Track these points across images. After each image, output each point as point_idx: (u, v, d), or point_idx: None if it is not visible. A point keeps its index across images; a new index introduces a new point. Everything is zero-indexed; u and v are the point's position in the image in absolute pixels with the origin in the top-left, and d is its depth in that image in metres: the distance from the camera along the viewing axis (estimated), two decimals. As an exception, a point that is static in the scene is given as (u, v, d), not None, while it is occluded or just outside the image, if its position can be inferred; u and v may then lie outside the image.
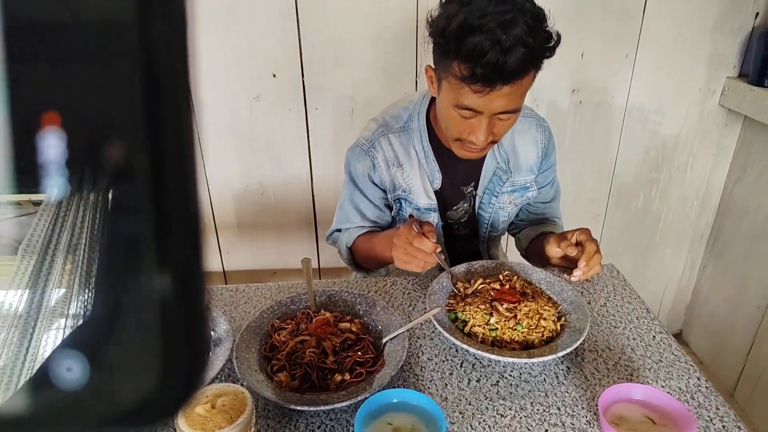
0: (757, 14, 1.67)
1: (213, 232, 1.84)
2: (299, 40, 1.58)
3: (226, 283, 1.93)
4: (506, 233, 1.42)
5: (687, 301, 2.18)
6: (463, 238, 1.34)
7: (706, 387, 0.86)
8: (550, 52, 0.95)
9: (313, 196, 1.81)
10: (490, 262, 1.12)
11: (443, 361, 0.91)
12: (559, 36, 0.95)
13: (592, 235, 1.10)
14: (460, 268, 1.10)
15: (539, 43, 0.90)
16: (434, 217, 1.23)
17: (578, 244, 1.09)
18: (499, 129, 1.01)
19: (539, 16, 0.92)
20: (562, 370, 0.89)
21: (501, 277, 1.05)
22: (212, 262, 1.89)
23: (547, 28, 0.93)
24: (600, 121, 1.80)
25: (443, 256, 1.12)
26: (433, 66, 1.02)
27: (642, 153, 1.87)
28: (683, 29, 1.67)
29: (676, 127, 1.83)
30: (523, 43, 0.87)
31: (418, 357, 0.93)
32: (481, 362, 0.91)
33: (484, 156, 1.20)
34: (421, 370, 0.90)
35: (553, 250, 1.11)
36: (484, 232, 1.31)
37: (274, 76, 1.63)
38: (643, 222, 2.01)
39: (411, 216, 1.19)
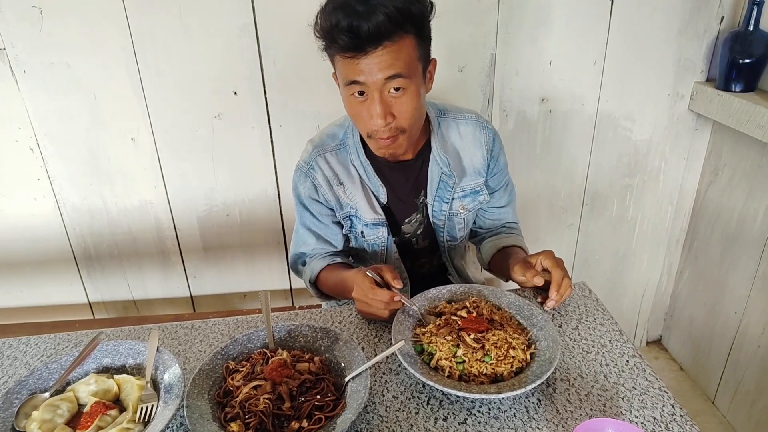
0: (722, 18, 1.65)
1: (178, 256, 1.77)
2: (259, 55, 1.53)
3: (194, 309, 1.86)
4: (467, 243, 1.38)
5: (666, 307, 2.17)
6: (424, 251, 1.30)
7: (681, 415, 0.82)
8: (419, 15, 0.95)
9: (281, 214, 1.76)
10: (457, 286, 1.08)
11: (409, 399, 0.87)
12: (432, 3, 0.98)
13: (555, 257, 1.06)
14: (428, 295, 1.05)
15: (401, 4, 0.91)
16: (383, 232, 1.20)
17: (544, 270, 1.06)
18: (398, 108, 1.00)
19: None
20: (533, 403, 0.85)
21: (468, 304, 1.01)
22: (178, 287, 1.82)
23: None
24: (570, 129, 1.77)
25: (407, 296, 1.09)
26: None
27: (614, 159, 1.85)
28: (649, 34, 1.65)
29: (647, 132, 1.82)
30: (382, 4, 0.90)
31: (383, 395, 0.88)
32: (448, 398, 0.86)
33: (427, 164, 1.18)
34: (386, 410, 0.85)
35: (520, 279, 1.07)
36: (443, 243, 1.27)
37: (235, 93, 1.57)
38: (618, 229, 1.99)
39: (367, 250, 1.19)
